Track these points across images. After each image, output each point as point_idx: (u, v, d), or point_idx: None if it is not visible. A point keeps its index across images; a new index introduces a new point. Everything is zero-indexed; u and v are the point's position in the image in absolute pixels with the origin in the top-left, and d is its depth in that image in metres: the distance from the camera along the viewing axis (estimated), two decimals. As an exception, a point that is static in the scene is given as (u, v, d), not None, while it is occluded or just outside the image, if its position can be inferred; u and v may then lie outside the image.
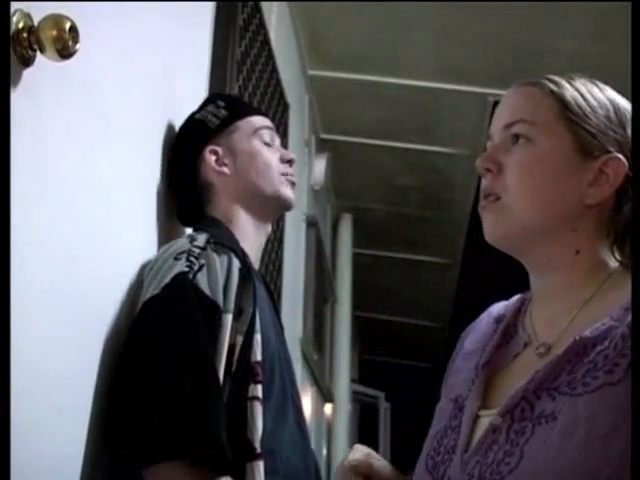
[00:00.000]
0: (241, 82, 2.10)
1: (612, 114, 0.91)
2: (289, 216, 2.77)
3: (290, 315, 3.05)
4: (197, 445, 1.03)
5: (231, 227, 1.37)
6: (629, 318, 0.79)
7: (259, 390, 1.16)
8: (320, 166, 4.01)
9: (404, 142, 4.13)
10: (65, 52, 0.85)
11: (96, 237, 1.12)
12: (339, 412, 4.60)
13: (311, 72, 3.66)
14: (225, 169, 1.42)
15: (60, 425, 0.99)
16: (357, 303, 5.39)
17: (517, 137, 0.91)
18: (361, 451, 0.98)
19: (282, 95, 2.83)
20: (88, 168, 1.09)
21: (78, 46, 0.87)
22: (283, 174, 1.44)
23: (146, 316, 1.14)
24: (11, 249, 0.82)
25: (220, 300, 1.17)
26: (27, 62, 0.87)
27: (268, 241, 1.53)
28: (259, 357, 1.18)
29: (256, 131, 1.45)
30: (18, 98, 0.85)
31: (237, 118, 1.46)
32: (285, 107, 2.89)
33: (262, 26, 2.45)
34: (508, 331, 0.95)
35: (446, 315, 6.24)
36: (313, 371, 3.69)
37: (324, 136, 4.22)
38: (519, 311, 0.97)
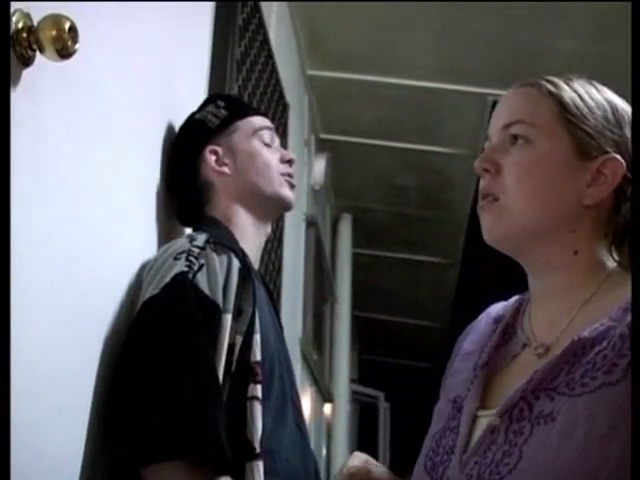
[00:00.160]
0: (240, 82, 2.10)
1: (610, 115, 0.91)
2: (289, 216, 2.77)
3: (290, 315, 3.05)
4: (197, 445, 1.03)
5: (231, 227, 1.37)
6: (627, 318, 0.79)
7: (258, 390, 1.16)
8: (320, 166, 4.01)
9: (404, 142, 4.13)
10: (65, 52, 0.85)
11: (96, 237, 1.12)
12: (338, 412, 4.60)
13: (311, 72, 3.66)
14: (225, 169, 1.42)
15: (60, 425, 0.99)
16: (357, 303, 5.39)
17: (515, 138, 0.91)
18: (360, 458, 0.98)
19: (282, 95, 2.83)
20: (88, 168, 1.09)
21: (77, 46, 0.87)
22: (283, 174, 1.44)
23: (146, 316, 1.14)
24: (11, 249, 0.82)
25: (220, 300, 1.17)
26: (27, 62, 0.87)
27: (268, 241, 1.53)
28: (258, 357, 1.18)
29: (256, 131, 1.45)
30: (18, 98, 0.85)
31: (237, 118, 1.46)
32: (285, 107, 2.89)
33: (262, 26, 2.45)
34: (507, 332, 0.95)
35: (445, 315, 6.24)
36: (313, 371, 3.69)
37: (324, 136, 4.22)
38: (518, 312, 0.98)
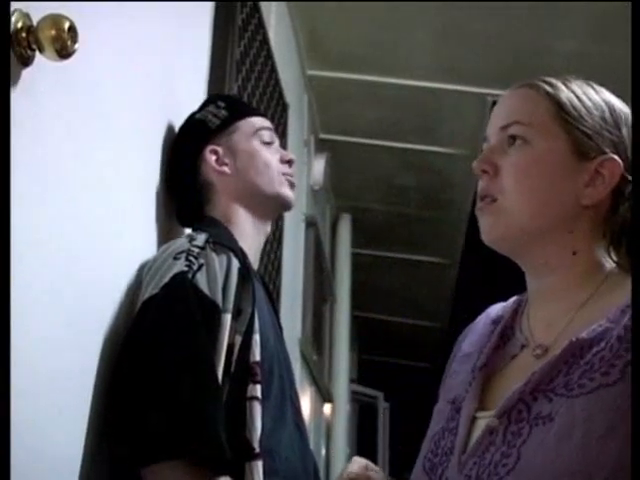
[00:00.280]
0: (240, 82, 2.10)
1: (607, 115, 0.91)
2: (288, 216, 2.77)
3: (289, 315, 3.05)
4: (196, 445, 1.03)
5: (230, 227, 1.37)
6: (625, 319, 0.79)
7: (258, 390, 1.16)
8: (319, 166, 4.01)
9: (403, 142, 4.13)
10: (64, 52, 0.85)
11: (96, 237, 1.12)
12: (338, 412, 4.60)
13: (310, 72, 3.66)
14: (225, 168, 1.42)
15: (60, 425, 1.00)
16: (356, 303, 5.39)
17: (513, 139, 0.92)
18: (359, 463, 0.98)
19: (281, 95, 2.83)
20: (88, 168, 1.09)
21: (77, 46, 0.87)
22: (283, 174, 1.45)
23: (145, 316, 1.14)
24: (11, 249, 0.82)
25: (219, 300, 1.17)
26: (26, 62, 0.87)
27: (267, 241, 1.53)
28: (258, 357, 1.18)
29: (256, 132, 1.46)
30: (17, 98, 0.85)
31: (237, 118, 1.46)
32: (284, 107, 2.89)
33: (261, 26, 2.45)
34: (505, 333, 0.95)
35: (445, 315, 6.24)
36: (312, 371, 3.69)
37: (323, 136, 4.22)
38: (516, 312, 0.98)
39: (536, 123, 0.91)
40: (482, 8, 3.01)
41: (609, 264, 0.90)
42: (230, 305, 1.18)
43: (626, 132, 0.91)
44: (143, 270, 1.24)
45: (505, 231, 0.91)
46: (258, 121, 1.48)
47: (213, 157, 1.43)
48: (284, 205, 1.47)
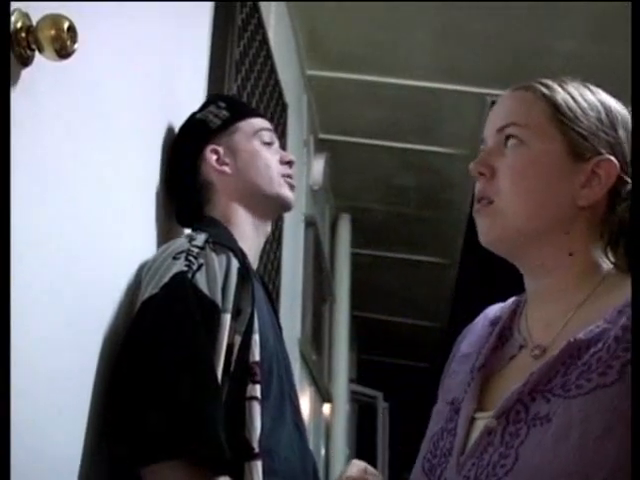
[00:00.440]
0: (239, 82, 2.10)
1: (603, 116, 0.91)
2: (288, 216, 2.77)
3: (289, 315, 3.05)
4: (196, 445, 1.04)
5: (230, 227, 1.37)
6: (623, 320, 0.79)
7: (257, 390, 1.16)
8: (319, 166, 4.01)
9: (403, 142, 4.13)
10: (63, 52, 0.85)
11: (96, 237, 1.12)
12: (337, 412, 4.60)
13: (310, 72, 3.66)
14: (226, 168, 1.42)
15: (60, 425, 1.00)
16: (355, 303, 5.39)
17: (510, 139, 0.92)
18: (358, 466, 0.99)
19: (281, 95, 2.83)
20: (88, 168, 1.09)
21: (76, 46, 0.87)
22: (283, 175, 1.45)
23: (145, 315, 1.14)
24: (11, 249, 0.82)
25: (219, 300, 1.17)
26: (26, 62, 0.87)
27: (267, 241, 1.53)
28: (257, 357, 1.18)
29: (257, 132, 1.46)
30: (17, 98, 0.85)
31: (238, 119, 1.46)
32: (284, 107, 2.89)
33: (261, 26, 2.45)
34: (504, 334, 0.95)
35: (444, 315, 6.24)
36: (311, 371, 3.69)
37: (323, 136, 4.22)
38: (515, 313, 0.98)
39: (532, 125, 0.91)
40: (482, 8, 3.01)
41: (606, 265, 0.90)
42: (230, 305, 1.19)
43: (622, 133, 0.91)
44: (143, 270, 1.24)
45: (502, 233, 0.91)
46: (259, 122, 1.49)
47: (214, 157, 1.43)
48: (284, 206, 1.47)
